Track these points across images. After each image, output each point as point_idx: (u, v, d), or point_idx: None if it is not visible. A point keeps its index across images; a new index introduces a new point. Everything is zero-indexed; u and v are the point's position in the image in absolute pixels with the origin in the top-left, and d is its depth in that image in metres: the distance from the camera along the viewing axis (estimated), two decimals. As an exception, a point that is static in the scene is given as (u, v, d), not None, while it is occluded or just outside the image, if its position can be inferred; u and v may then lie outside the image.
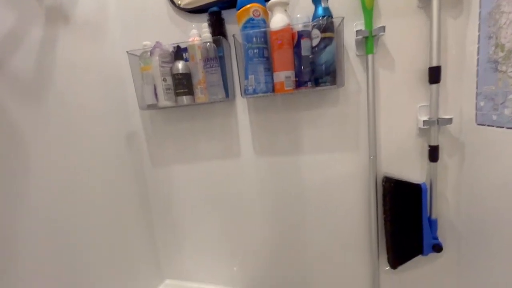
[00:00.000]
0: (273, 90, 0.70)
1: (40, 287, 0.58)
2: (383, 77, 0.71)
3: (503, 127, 0.55)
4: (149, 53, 0.75)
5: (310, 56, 0.68)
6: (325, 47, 0.66)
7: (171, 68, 0.75)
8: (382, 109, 0.73)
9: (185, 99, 0.75)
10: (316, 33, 0.66)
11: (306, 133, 0.78)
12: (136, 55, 0.78)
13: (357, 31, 0.68)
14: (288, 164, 0.81)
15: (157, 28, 0.82)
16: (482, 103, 0.61)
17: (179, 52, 0.76)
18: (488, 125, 0.60)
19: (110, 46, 0.82)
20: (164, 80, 0.74)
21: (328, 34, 0.65)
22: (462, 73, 0.66)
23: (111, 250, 0.77)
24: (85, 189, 0.70)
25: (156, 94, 0.77)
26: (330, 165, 0.78)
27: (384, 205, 0.74)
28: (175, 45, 0.75)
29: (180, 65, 0.74)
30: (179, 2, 0.78)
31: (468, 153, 0.68)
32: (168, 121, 0.87)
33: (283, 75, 0.68)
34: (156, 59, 0.73)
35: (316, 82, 0.68)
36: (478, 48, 0.61)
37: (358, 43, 0.71)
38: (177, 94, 0.76)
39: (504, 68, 0.54)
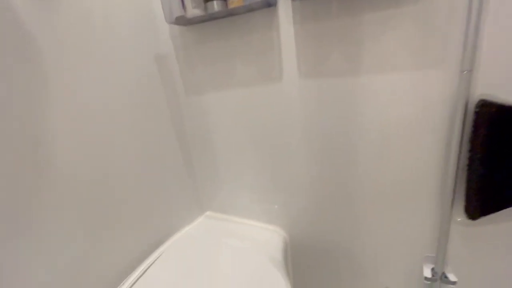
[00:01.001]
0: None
1: (73, 224, 0.59)
2: None
3: None
4: None
5: None
6: None
7: (197, -34, 0.60)
8: (492, 2, 0.49)
9: (215, 5, 0.62)
10: None
11: (369, 45, 0.59)
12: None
13: None
14: (342, 88, 0.65)
15: None
16: None
17: None
18: None
19: None
20: (191, -17, 0.61)
21: None
22: None
23: (149, 183, 0.77)
24: (116, 119, 0.67)
25: (183, 4, 0.65)
26: (399, 86, 0.60)
27: (475, 138, 0.55)
28: None
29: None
30: None
31: None
32: (200, 39, 0.75)
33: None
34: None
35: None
36: None
37: None
38: (206, 0, 0.62)
39: None
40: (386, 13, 0.56)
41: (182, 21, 0.69)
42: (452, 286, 0.70)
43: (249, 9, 0.65)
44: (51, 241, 0.55)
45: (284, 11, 0.65)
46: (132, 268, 0.72)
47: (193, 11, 0.63)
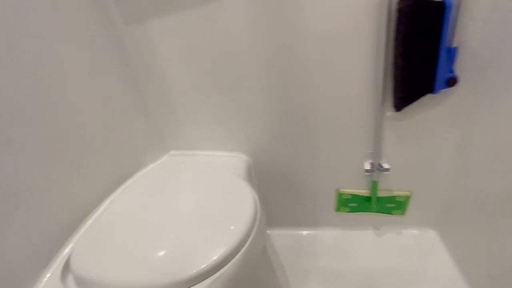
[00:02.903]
0: None
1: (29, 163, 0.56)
2: None
3: None
4: None
5: None
6: None
7: None
8: None
9: None
10: None
11: None
12: None
13: None
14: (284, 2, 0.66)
15: None
16: None
17: None
18: None
19: None
20: None
21: None
22: None
23: (103, 129, 0.75)
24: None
25: None
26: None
27: (397, 35, 0.63)
28: None
29: None
30: None
31: None
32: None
33: None
34: None
35: None
36: None
37: None
38: None
39: None
40: None
41: None
42: (386, 172, 0.85)
43: None
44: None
45: None
46: (99, 202, 0.74)
47: None
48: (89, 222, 0.68)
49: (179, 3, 0.72)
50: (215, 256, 0.48)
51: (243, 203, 0.62)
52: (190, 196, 0.69)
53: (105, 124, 0.77)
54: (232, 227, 0.54)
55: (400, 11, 0.60)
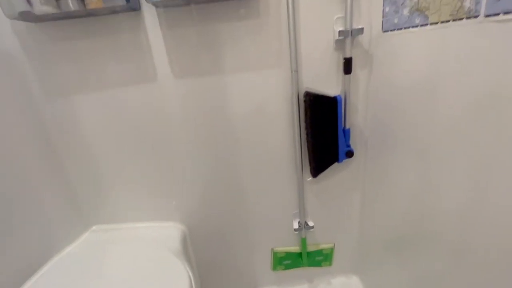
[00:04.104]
0: (184, -6, 0.60)
1: None
2: (302, -16, 0.68)
3: (401, 28, 0.60)
4: None
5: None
6: None
7: (42, -42, 0.56)
8: (302, 21, 0.71)
9: (70, 3, 0.59)
10: None
11: (228, 49, 0.73)
12: None
13: None
14: (211, 86, 0.76)
15: None
16: (387, 9, 0.64)
17: None
18: (391, 30, 0.64)
19: None
20: (35, -26, 0.56)
21: None
22: (373, -20, 0.67)
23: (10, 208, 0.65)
24: None
25: (28, -3, 0.59)
26: (254, 83, 0.76)
27: (306, 119, 0.78)
28: None
29: (54, -47, 0.56)
30: None
31: (375, 63, 0.73)
32: (58, 37, 0.69)
33: (193, -28, 0.58)
34: None
35: (233, -15, 0.61)
36: (387, -51, 0.61)
37: None
38: (59, -3, 0.59)
39: (405, -34, 0.55)
40: (237, 24, 0.71)
41: (29, 17, 0.62)
42: (312, 229, 0.95)
43: (112, 11, 0.66)
44: None
45: (150, 15, 0.69)
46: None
47: (41, 8, 0.58)
48: None
49: (110, 82, 0.74)
50: None
51: (176, 285, 0.60)
52: (116, 282, 0.63)
53: (7, 203, 0.67)
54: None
55: (305, 102, 0.76)
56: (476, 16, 0.41)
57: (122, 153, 0.82)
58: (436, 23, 0.49)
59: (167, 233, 0.87)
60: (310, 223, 0.94)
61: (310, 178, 0.89)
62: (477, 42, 0.42)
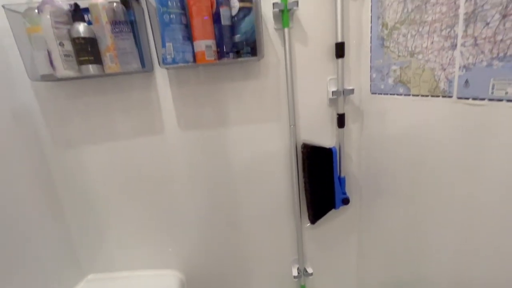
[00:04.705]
0: (194, 60, 0.67)
1: None
2: (298, 51, 0.76)
3: (387, 94, 0.67)
4: (36, 10, 0.61)
5: (229, 25, 0.67)
6: (244, 17, 0.66)
7: (69, 31, 0.63)
8: (299, 81, 0.79)
9: (91, 68, 0.65)
10: (234, 1, 0.65)
11: (231, 105, 0.79)
12: (18, 12, 0.63)
13: (273, 3, 0.70)
14: (215, 138, 0.81)
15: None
16: (374, 75, 0.72)
17: (78, 12, 0.65)
18: (378, 94, 0.72)
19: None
20: (61, 44, 0.63)
21: (246, 4, 0.66)
22: (360, 49, 0.77)
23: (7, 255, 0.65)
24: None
25: (51, 62, 0.65)
26: (255, 136, 0.82)
27: (303, 169, 0.83)
28: (72, 2, 0.64)
29: (81, 27, 0.63)
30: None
31: (365, 119, 0.80)
32: (73, 95, 0.75)
33: (204, 44, 0.66)
34: (47, 17, 0.60)
35: (237, 54, 0.69)
36: (371, 27, 0.71)
37: (275, 17, 0.74)
38: (81, 63, 0.65)
39: (388, 43, 0.64)
40: (239, 84, 0.78)
41: (50, 78, 0.67)
42: (311, 277, 0.95)
43: (127, 73, 0.72)
44: None
45: (161, 75, 0.76)
46: None
47: (64, 72, 0.64)
48: None
49: (118, 134, 0.78)
50: None
51: None
52: None
53: (3, 250, 0.66)
54: None
55: (303, 153, 0.81)
56: (450, 96, 0.48)
57: (122, 201, 0.84)
58: (417, 95, 0.57)
59: (164, 282, 0.85)
60: (309, 270, 0.94)
61: (309, 225, 0.91)
62: (452, 117, 0.49)
